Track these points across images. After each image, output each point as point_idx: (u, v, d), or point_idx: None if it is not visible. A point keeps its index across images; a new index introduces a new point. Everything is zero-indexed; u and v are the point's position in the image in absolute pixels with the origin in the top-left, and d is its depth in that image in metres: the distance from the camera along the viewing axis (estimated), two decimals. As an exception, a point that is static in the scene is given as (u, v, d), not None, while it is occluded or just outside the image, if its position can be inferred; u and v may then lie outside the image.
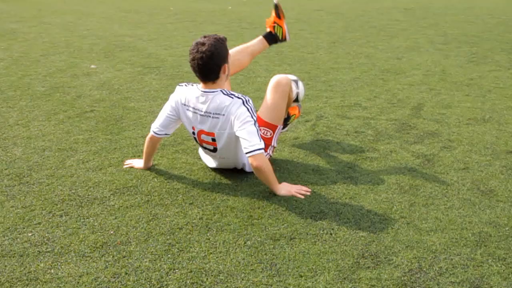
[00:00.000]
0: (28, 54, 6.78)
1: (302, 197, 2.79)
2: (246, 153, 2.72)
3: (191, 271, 2.16)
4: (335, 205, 2.71)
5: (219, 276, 2.13)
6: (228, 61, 2.80)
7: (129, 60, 6.39)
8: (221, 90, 2.78)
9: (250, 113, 2.74)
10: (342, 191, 2.87)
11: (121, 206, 2.71)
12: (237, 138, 2.79)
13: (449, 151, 3.43)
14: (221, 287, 2.06)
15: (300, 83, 3.38)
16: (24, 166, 3.21)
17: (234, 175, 3.07)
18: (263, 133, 3.12)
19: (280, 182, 2.88)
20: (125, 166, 3.20)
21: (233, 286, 2.07)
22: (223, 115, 2.76)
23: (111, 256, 2.27)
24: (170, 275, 2.14)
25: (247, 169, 3.07)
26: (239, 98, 2.76)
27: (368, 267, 2.19)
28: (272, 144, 3.18)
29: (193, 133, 2.93)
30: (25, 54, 6.79)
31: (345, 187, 2.92)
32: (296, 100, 3.36)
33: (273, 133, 3.15)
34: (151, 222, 2.55)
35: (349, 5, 12.60)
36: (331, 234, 2.44)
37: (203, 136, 2.89)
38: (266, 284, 2.07)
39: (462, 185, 2.95)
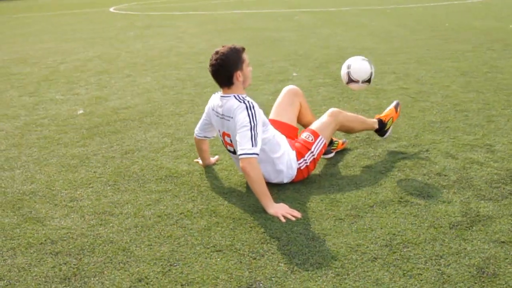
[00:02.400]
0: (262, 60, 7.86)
1: (284, 220, 2.82)
2: (238, 155, 2.92)
3: (121, 249, 2.60)
4: (298, 236, 2.65)
5: (131, 259, 2.51)
6: (242, 69, 3.05)
7: (331, 71, 6.71)
8: (234, 95, 3.06)
9: (249, 118, 2.94)
10: (328, 227, 2.74)
11: (149, 189, 3.30)
12: None
13: (515, 219, 2.73)
14: (122, 267, 2.44)
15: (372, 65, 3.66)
16: (138, 146, 4.12)
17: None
18: (305, 137, 3.33)
19: (278, 202, 2.96)
20: (194, 160, 3.75)
21: (130, 270, 2.41)
22: (232, 117, 3.04)
23: (96, 221, 2.91)
24: (107, 245, 2.64)
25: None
26: (245, 103, 2.99)
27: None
28: (312, 150, 3.29)
29: (220, 135, 3.26)
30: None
31: (337, 224, 2.76)
32: (369, 81, 3.62)
33: (315, 139, 3.31)
34: (150, 206, 3.07)
35: None
36: (254, 258, 2.47)
37: (226, 138, 3.20)
38: (153, 278, 2.35)
39: (470, 258, 2.39)
